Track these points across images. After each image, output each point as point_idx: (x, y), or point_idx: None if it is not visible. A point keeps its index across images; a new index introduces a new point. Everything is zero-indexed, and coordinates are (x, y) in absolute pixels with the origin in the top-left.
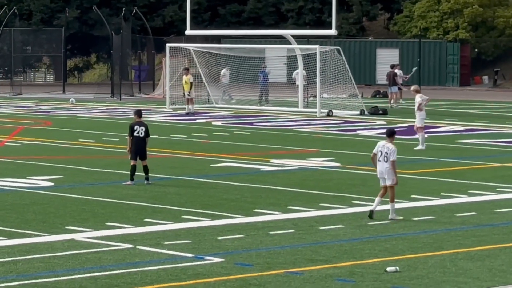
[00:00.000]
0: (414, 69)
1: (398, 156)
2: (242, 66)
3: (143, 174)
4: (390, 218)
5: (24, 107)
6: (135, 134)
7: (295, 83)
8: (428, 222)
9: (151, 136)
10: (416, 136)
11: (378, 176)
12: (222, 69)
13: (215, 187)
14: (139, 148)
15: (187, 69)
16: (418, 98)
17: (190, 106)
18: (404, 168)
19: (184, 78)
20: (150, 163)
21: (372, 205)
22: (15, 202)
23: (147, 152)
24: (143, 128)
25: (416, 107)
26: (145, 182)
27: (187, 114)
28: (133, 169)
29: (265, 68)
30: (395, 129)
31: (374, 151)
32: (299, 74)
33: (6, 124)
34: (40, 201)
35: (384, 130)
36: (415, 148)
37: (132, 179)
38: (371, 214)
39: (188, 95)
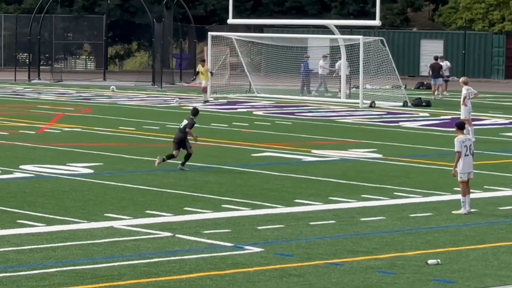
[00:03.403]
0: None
1: (441, 148)
2: (284, 56)
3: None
4: (469, 211)
5: (64, 94)
6: (179, 126)
7: (337, 74)
8: (470, 215)
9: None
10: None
11: (466, 171)
12: (261, 58)
13: (256, 177)
14: (178, 137)
15: (203, 61)
16: (464, 90)
17: (205, 95)
18: (447, 160)
19: (201, 69)
20: None
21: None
22: (54, 189)
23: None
24: (185, 122)
25: (461, 101)
26: (179, 167)
27: (205, 102)
28: (170, 155)
29: (308, 59)
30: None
31: (457, 149)
32: (342, 65)
33: (47, 110)
34: (80, 188)
35: (428, 122)
36: None
37: (164, 157)
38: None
39: (206, 83)
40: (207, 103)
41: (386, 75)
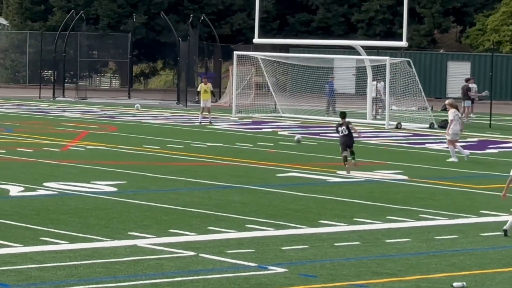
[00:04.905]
0: (485, 93)
1: (467, 170)
2: (310, 76)
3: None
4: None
5: (89, 111)
6: (340, 134)
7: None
8: (497, 237)
9: (216, 144)
10: (484, 150)
11: None
12: (287, 78)
13: (280, 197)
14: (344, 142)
15: (206, 78)
16: (451, 113)
17: (206, 114)
18: (473, 183)
19: (204, 86)
20: (215, 171)
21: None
22: (78, 207)
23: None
24: (345, 127)
25: (449, 122)
26: (351, 157)
27: (201, 123)
28: (344, 159)
29: (333, 79)
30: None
31: None
32: (368, 85)
33: (71, 128)
34: (103, 206)
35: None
36: (447, 160)
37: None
38: (505, 233)
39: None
40: (203, 123)
41: (412, 97)
